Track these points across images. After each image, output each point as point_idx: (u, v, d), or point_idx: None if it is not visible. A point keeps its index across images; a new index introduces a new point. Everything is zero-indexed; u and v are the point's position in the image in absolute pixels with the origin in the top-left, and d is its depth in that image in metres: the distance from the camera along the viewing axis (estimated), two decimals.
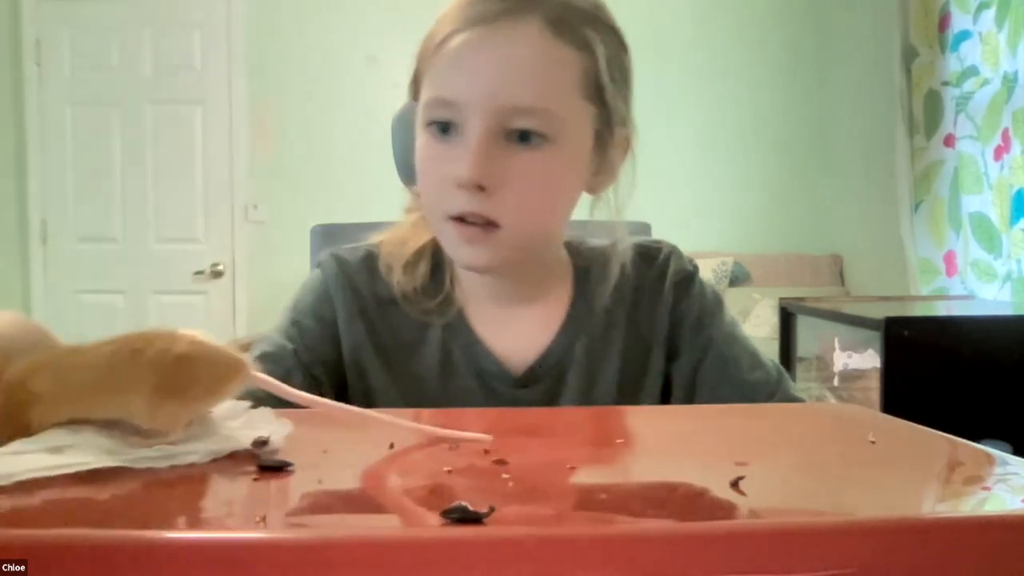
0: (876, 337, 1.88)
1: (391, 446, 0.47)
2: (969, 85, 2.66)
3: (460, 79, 0.71)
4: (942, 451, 0.48)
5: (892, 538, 0.32)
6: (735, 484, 0.38)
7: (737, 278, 3.42)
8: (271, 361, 0.75)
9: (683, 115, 3.63)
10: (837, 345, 2.22)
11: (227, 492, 0.39)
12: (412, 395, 0.78)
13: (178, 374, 0.43)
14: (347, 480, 0.43)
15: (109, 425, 0.45)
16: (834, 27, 3.57)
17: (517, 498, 0.37)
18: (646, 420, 0.61)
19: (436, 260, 0.82)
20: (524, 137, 0.70)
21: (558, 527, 0.34)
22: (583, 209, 0.83)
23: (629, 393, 0.80)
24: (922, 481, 0.43)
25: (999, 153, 2.49)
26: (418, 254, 0.81)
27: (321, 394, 0.77)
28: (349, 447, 0.48)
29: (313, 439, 0.48)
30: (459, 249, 0.74)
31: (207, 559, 0.30)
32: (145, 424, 0.44)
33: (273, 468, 0.41)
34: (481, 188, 0.69)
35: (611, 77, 0.74)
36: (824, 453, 0.48)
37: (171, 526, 0.33)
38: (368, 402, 0.78)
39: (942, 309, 2.46)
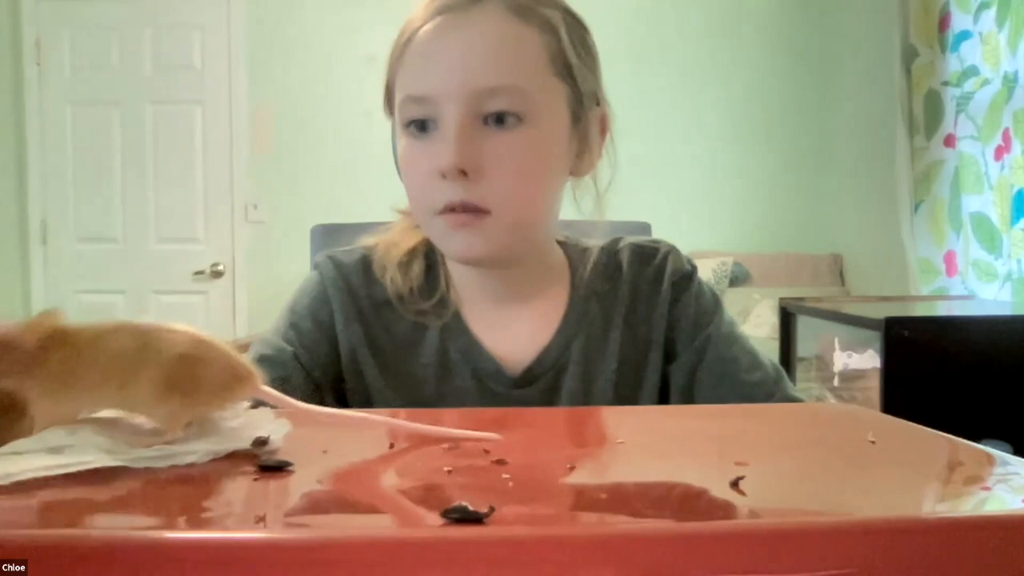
0: (876, 337, 1.87)
1: (391, 446, 0.47)
2: (969, 85, 2.66)
3: (429, 72, 0.72)
4: (942, 451, 0.48)
5: (892, 538, 0.32)
6: (735, 484, 0.38)
7: (737, 278, 3.42)
8: (270, 363, 0.75)
9: (683, 115, 3.63)
10: (837, 345, 2.22)
11: (227, 492, 0.39)
12: (409, 396, 0.78)
13: (184, 373, 0.44)
14: (347, 480, 0.43)
15: (108, 425, 0.45)
16: (834, 27, 3.57)
17: (517, 498, 0.37)
18: (646, 420, 0.61)
19: (430, 261, 0.82)
20: (500, 120, 0.71)
21: (558, 527, 0.34)
22: (566, 211, 0.83)
23: (627, 393, 0.80)
24: (922, 481, 0.43)
25: (999, 153, 2.49)
26: (411, 255, 0.81)
27: (321, 395, 0.77)
28: (349, 447, 0.48)
29: (313, 439, 0.47)
30: (451, 241, 0.74)
31: (207, 559, 0.30)
32: (145, 415, 0.44)
33: (273, 468, 0.41)
34: (464, 174, 0.70)
35: (576, 54, 0.75)
36: (824, 453, 0.48)
37: (171, 526, 0.33)
38: (365, 403, 0.78)
39: (942, 309, 2.45)
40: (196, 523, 0.35)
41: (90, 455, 0.40)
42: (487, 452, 0.44)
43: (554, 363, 0.79)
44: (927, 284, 2.83)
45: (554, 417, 0.64)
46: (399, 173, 0.82)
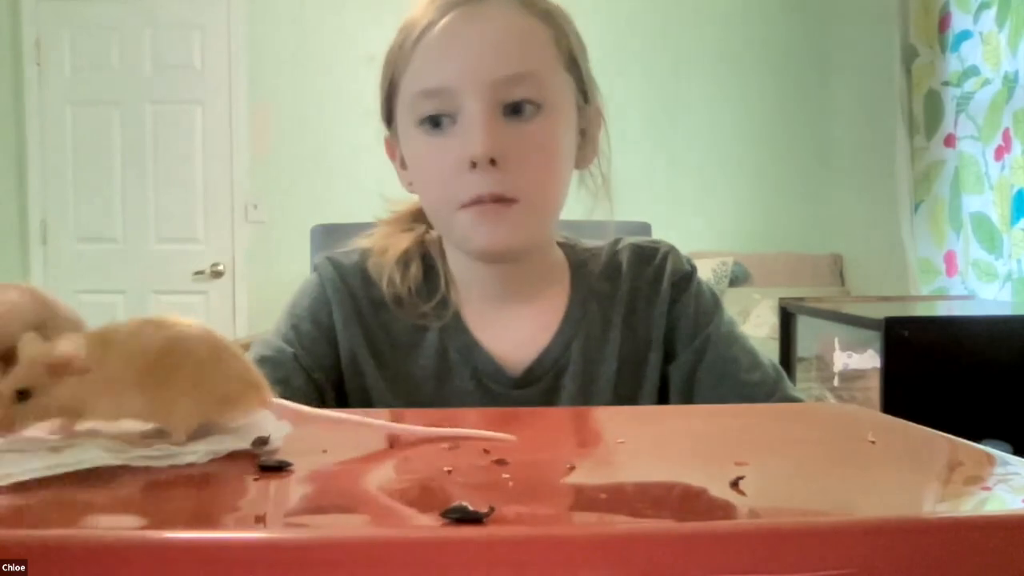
0: (876, 337, 1.87)
1: (391, 446, 0.47)
2: (970, 85, 2.66)
3: (446, 64, 0.72)
4: (942, 451, 0.48)
5: (892, 538, 0.32)
6: (735, 484, 0.38)
7: (737, 278, 3.42)
8: (271, 364, 0.75)
9: (683, 115, 3.63)
10: (837, 345, 2.22)
11: (227, 492, 0.39)
12: (409, 397, 0.78)
13: (201, 380, 0.44)
14: (347, 480, 0.43)
15: (109, 424, 0.45)
16: (834, 27, 3.57)
17: (517, 498, 0.37)
18: (646, 420, 0.61)
19: (427, 262, 0.82)
20: (517, 110, 0.71)
21: (558, 527, 0.34)
22: (580, 210, 0.83)
23: (627, 394, 0.79)
24: (922, 481, 0.43)
25: (1000, 153, 2.49)
26: (405, 257, 0.81)
27: (322, 397, 0.77)
28: (349, 447, 0.48)
29: (313, 439, 0.47)
30: (477, 233, 0.73)
31: (207, 559, 0.30)
32: (160, 421, 0.44)
33: (273, 468, 0.41)
34: (493, 163, 0.70)
35: (579, 46, 0.77)
36: (824, 453, 0.48)
37: (171, 526, 0.33)
38: (365, 404, 0.78)
39: (942, 309, 2.45)
40: (196, 523, 0.35)
41: (90, 455, 0.40)
42: (487, 452, 0.44)
43: (554, 364, 0.79)
44: (927, 284, 2.83)
45: (554, 417, 0.64)
46: (400, 177, 0.82)
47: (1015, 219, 2.41)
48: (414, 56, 0.74)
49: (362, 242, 0.84)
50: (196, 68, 3.60)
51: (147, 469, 0.40)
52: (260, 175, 3.62)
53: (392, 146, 0.81)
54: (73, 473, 0.38)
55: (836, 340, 2.22)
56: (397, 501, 0.39)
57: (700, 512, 0.37)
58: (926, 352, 1.85)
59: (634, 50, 3.51)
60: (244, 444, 0.44)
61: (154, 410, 0.43)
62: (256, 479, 0.39)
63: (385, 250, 0.81)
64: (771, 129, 3.65)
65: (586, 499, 0.39)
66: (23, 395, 0.41)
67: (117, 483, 0.38)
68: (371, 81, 0.80)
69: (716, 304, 0.83)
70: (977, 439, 0.47)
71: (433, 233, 0.83)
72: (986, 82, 2.58)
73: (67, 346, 0.41)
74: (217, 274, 3.63)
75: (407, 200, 0.85)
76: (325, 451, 0.45)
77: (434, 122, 0.73)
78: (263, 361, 0.75)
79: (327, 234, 1.17)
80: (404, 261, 0.81)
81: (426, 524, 0.32)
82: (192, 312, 3.54)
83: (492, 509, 0.32)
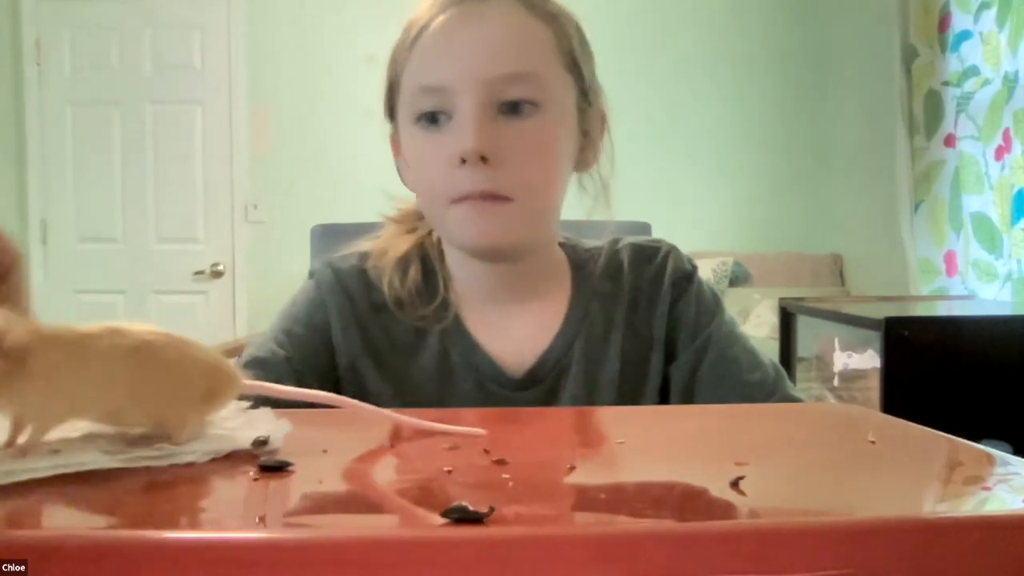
0: (876, 337, 1.87)
1: (391, 446, 0.47)
2: (970, 85, 2.66)
3: (444, 62, 0.72)
4: (942, 451, 0.48)
5: (892, 538, 0.32)
6: (735, 484, 0.38)
7: (737, 278, 3.42)
8: (263, 366, 0.74)
9: (683, 115, 3.63)
10: (837, 345, 2.22)
11: (227, 492, 0.39)
12: (410, 401, 0.77)
13: (180, 380, 0.44)
14: (347, 480, 0.43)
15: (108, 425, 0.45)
16: (834, 27, 3.57)
17: (517, 498, 0.37)
18: (646, 420, 0.61)
19: (426, 265, 0.81)
20: (515, 109, 0.71)
21: (558, 527, 0.34)
22: (580, 211, 0.83)
23: (629, 394, 0.79)
24: (922, 481, 0.43)
25: (1000, 153, 2.49)
26: (404, 260, 0.80)
27: (314, 403, 0.77)
28: (349, 447, 0.48)
29: (313, 439, 0.47)
30: (468, 229, 0.73)
31: (207, 559, 0.30)
32: (160, 426, 0.44)
33: (273, 468, 0.41)
34: (484, 160, 0.70)
35: (581, 48, 0.77)
36: (824, 453, 0.48)
37: (171, 526, 0.33)
38: None
39: (942, 309, 2.45)
40: (196, 523, 0.35)
41: (90, 455, 0.40)
42: (487, 452, 0.44)
43: (555, 365, 0.78)
44: (927, 284, 2.83)
45: (554, 417, 0.64)
46: (400, 175, 0.82)
47: (1015, 219, 2.41)
48: (413, 53, 0.74)
49: (361, 245, 0.83)
50: (196, 68, 3.60)
51: (147, 469, 0.40)
52: (260, 175, 3.62)
53: (396, 143, 0.81)
54: (73, 473, 0.38)
55: (836, 340, 2.22)
56: (397, 501, 0.39)
57: (700, 512, 0.37)
58: (926, 352, 1.85)
59: (634, 49, 3.51)
60: (244, 444, 0.44)
61: (148, 415, 0.43)
62: (256, 479, 0.39)
63: (384, 252, 0.81)
64: (771, 129, 3.65)
65: (586, 499, 0.39)
66: None
67: (117, 483, 0.38)
68: (371, 81, 0.80)
69: (717, 304, 0.83)
70: (977, 439, 0.47)
71: (434, 235, 0.83)
72: (986, 82, 2.58)
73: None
74: (217, 274, 3.62)
75: (413, 198, 0.85)
76: (325, 451, 0.45)
77: (431, 119, 0.73)
78: (255, 361, 0.75)
79: (327, 234, 1.17)
80: (403, 264, 0.80)
81: (426, 524, 0.32)
82: (192, 312, 3.56)
83: (492, 509, 0.32)
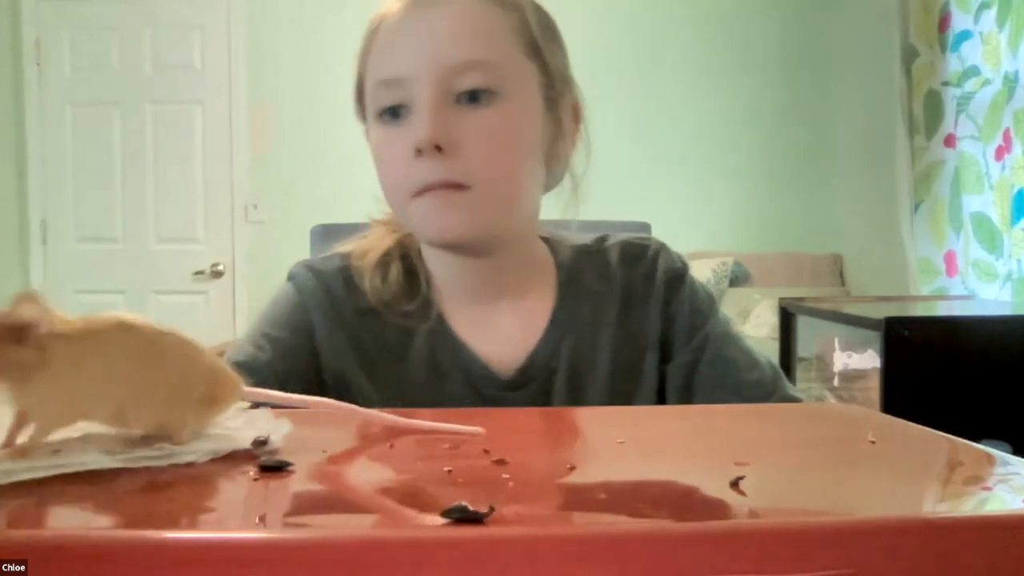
0: (876, 337, 1.87)
1: (391, 446, 0.47)
2: (970, 85, 2.66)
3: (399, 54, 0.72)
4: (942, 451, 0.48)
5: (892, 538, 0.32)
6: (735, 484, 0.38)
7: (737, 278, 3.42)
8: (244, 371, 0.73)
9: (683, 115, 3.63)
10: (837, 345, 2.22)
11: (227, 492, 0.39)
12: (399, 404, 0.76)
13: (182, 381, 0.44)
14: (347, 480, 0.43)
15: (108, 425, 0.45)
16: (834, 27, 3.57)
17: (517, 498, 0.37)
18: (646, 420, 0.61)
19: (407, 263, 0.80)
20: (474, 98, 0.70)
21: (558, 527, 0.34)
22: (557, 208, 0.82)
23: (622, 395, 0.78)
24: (922, 481, 0.43)
25: (1000, 153, 2.49)
26: (386, 259, 0.79)
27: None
28: (349, 447, 0.48)
29: (313, 439, 0.47)
30: (431, 222, 0.72)
31: (207, 559, 0.30)
32: (159, 427, 0.44)
33: (273, 468, 0.41)
34: (439, 149, 0.69)
35: (543, 35, 0.75)
36: (824, 453, 0.48)
37: (171, 526, 0.33)
38: None
39: (942, 309, 2.45)
40: (196, 523, 0.35)
41: (90, 455, 0.40)
42: (487, 452, 0.44)
43: (545, 365, 0.77)
44: (927, 284, 2.83)
45: (554, 417, 0.64)
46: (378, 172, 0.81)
47: (1015, 219, 2.41)
48: (373, 48, 0.74)
49: (343, 246, 0.82)
50: (196, 68, 3.60)
51: (147, 469, 0.40)
52: (260, 175, 3.62)
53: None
54: (73, 473, 0.38)
55: (836, 340, 2.22)
56: (397, 501, 0.39)
57: (700, 512, 0.37)
58: (926, 352, 1.85)
59: (634, 49, 3.51)
60: (244, 444, 0.44)
61: (148, 419, 0.43)
62: (256, 479, 0.39)
63: (365, 253, 0.80)
64: (771, 129, 3.65)
65: (586, 499, 0.39)
66: None
67: (117, 483, 0.38)
68: None
69: (711, 303, 0.82)
70: (977, 439, 0.47)
71: None
72: (986, 82, 2.58)
73: (30, 311, 0.40)
74: (217, 274, 3.63)
75: None
76: (325, 451, 0.45)
77: (394, 113, 0.72)
78: (236, 366, 0.74)
79: (327, 234, 1.17)
80: (384, 263, 0.79)
81: (426, 524, 0.32)
82: (192, 312, 3.56)
83: (492, 509, 0.32)
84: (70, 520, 0.35)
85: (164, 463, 0.41)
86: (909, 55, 2.94)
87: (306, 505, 0.38)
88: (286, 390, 0.74)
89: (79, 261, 3.61)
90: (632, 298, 0.80)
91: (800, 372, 2.38)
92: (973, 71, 2.65)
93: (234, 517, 0.37)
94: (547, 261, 0.82)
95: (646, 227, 1.17)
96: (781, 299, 2.53)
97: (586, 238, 0.84)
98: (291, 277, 0.81)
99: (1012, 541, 0.33)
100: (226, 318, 3.61)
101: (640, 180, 3.49)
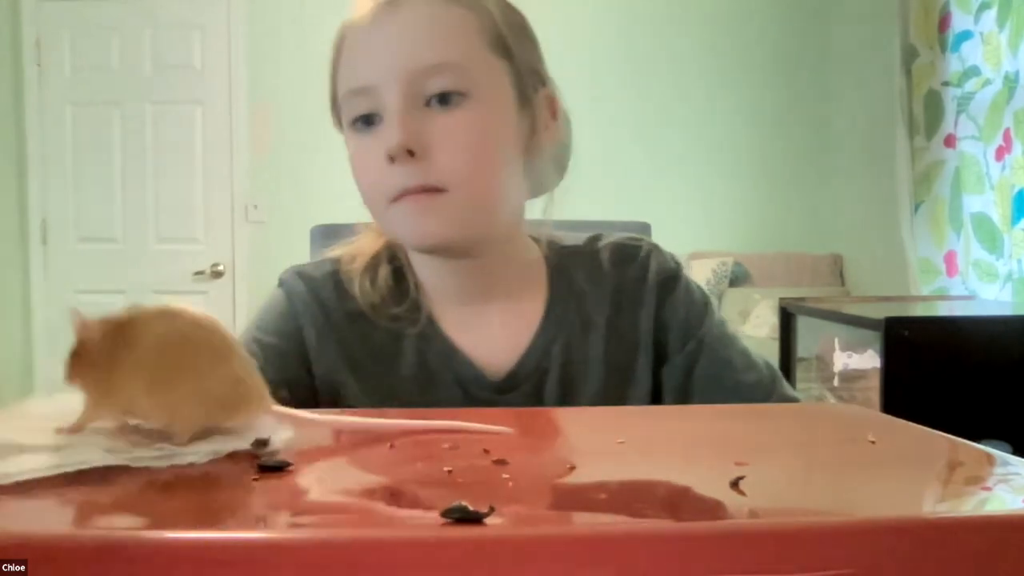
0: (876, 337, 1.87)
1: (391, 446, 0.47)
2: (970, 85, 2.66)
3: (366, 62, 0.72)
4: (942, 451, 0.48)
5: (892, 538, 0.32)
6: (735, 484, 0.38)
7: (737, 278, 3.42)
8: None
9: (683, 115, 3.63)
10: (837, 345, 2.22)
11: (227, 492, 0.39)
12: (391, 407, 0.76)
13: (203, 381, 0.44)
14: (347, 480, 0.43)
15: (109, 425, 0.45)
16: (834, 28, 3.57)
17: (517, 498, 0.37)
18: (646, 420, 0.61)
19: (396, 267, 0.80)
20: (444, 100, 0.70)
21: (558, 527, 0.34)
22: (565, 211, 0.82)
23: (614, 397, 0.77)
24: (922, 481, 0.43)
25: (1000, 153, 2.49)
26: (375, 262, 0.79)
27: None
28: (349, 447, 0.48)
29: (313, 439, 0.47)
30: (410, 226, 0.72)
31: (207, 559, 0.30)
32: (160, 423, 0.44)
33: (273, 468, 0.41)
34: (412, 154, 0.69)
35: (511, 31, 0.74)
36: (824, 453, 0.48)
37: (171, 526, 0.33)
38: None
39: (943, 309, 2.45)
40: (196, 523, 0.35)
41: (90, 455, 0.40)
42: (487, 452, 0.44)
43: (536, 367, 0.77)
44: (927, 284, 2.83)
45: (554, 417, 0.64)
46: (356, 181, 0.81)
47: (1016, 219, 2.41)
48: (340, 59, 0.74)
49: (333, 251, 0.82)
50: (196, 68, 3.59)
51: (147, 469, 0.40)
52: (260, 175, 3.62)
53: None
54: (73, 473, 0.38)
55: (836, 340, 2.22)
56: (397, 501, 0.39)
57: (700, 512, 0.37)
58: (926, 352, 1.85)
59: (634, 49, 3.51)
60: (244, 444, 0.44)
61: (159, 411, 0.43)
62: (256, 479, 0.39)
63: (354, 257, 0.80)
64: (771, 129, 3.65)
65: (586, 499, 0.39)
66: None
67: (117, 483, 0.38)
68: None
69: (706, 304, 0.81)
70: (977, 439, 0.47)
71: None
72: (987, 82, 2.58)
73: (82, 331, 0.42)
74: (217, 274, 3.62)
75: None
76: (325, 451, 0.45)
77: (366, 121, 0.72)
78: None
79: (327, 234, 1.17)
80: (372, 267, 0.79)
81: (426, 524, 0.32)
82: None
83: (492, 509, 0.32)
84: (70, 520, 0.35)
85: (164, 463, 0.41)
86: (909, 55, 2.94)
87: (306, 505, 0.38)
88: (278, 396, 0.75)
89: (79, 261, 3.61)
90: (624, 299, 0.80)
91: (800, 372, 2.39)
92: (973, 71, 2.65)
93: (234, 517, 0.37)
94: (537, 261, 0.81)
95: (646, 227, 1.17)
96: (781, 299, 2.53)
97: (578, 238, 0.83)
98: (281, 283, 0.81)
99: (1012, 541, 0.33)
100: (226, 318, 3.61)
101: (640, 180, 3.49)
